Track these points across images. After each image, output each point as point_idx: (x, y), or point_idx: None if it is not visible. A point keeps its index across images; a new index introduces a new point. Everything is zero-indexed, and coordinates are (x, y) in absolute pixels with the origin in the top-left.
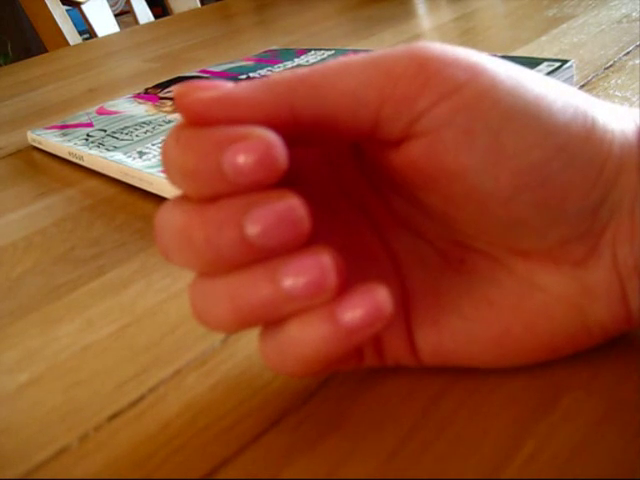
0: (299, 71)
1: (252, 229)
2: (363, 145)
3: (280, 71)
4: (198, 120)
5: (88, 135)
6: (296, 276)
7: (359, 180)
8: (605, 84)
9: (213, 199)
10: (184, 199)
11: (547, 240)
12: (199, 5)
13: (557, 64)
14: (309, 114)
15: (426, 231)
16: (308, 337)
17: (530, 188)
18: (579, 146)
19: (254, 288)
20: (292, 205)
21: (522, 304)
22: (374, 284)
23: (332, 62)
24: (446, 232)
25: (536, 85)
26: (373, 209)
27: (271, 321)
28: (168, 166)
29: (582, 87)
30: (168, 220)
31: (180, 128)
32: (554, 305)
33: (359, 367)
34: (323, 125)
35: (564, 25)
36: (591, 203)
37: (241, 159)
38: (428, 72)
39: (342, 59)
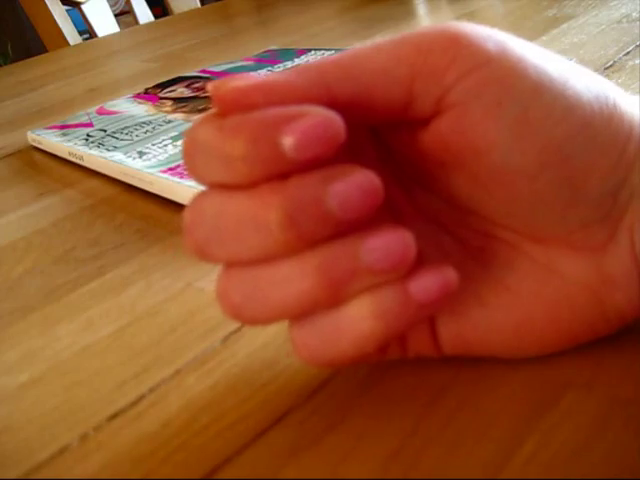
0: (330, 56)
1: (334, 202)
2: (386, 133)
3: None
4: (237, 108)
5: (88, 135)
6: (380, 250)
7: (379, 170)
8: None
9: (262, 182)
10: (221, 189)
11: (569, 223)
12: (199, 5)
13: None
14: (344, 95)
15: (446, 219)
16: (377, 312)
17: (555, 165)
18: (602, 125)
19: (334, 263)
20: (369, 175)
21: (542, 291)
22: (442, 263)
23: (362, 45)
24: (466, 219)
25: (560, 64)
26: (393, 198)
27: (336, 300)
28: (203, 156)
29: None
30: (213, 210)
31: (217, 117)
32: (573, 291)
33: (381, 360)
34: (358, 105)
35: (564, 25)
36: (612, 185)
37: (300, 135)
38: (457, 46)
39: (372, 42)
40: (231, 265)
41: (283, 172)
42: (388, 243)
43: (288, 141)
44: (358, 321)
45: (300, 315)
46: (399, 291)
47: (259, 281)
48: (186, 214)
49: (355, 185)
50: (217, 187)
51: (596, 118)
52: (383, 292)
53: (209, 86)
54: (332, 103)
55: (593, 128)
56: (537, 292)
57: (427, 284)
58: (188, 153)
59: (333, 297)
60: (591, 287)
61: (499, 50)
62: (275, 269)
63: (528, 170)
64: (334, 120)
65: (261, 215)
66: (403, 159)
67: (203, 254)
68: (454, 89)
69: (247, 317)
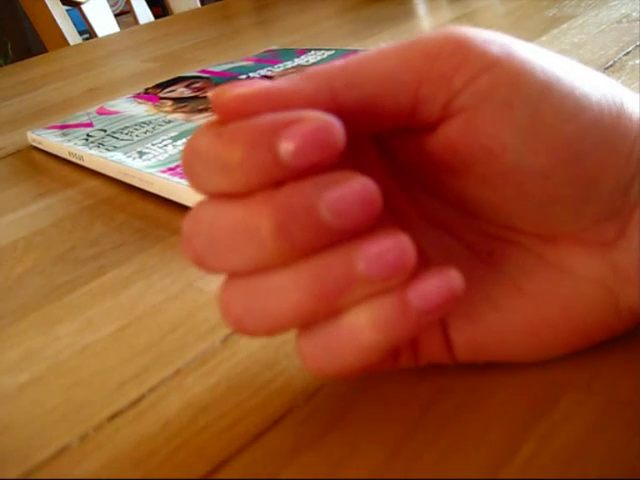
0: (336, 61)
1: (328, 211)
2: (390, 140)
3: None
4: (239, 115)
5: (88, 135)
6: (376, 257)
7: (384, 177)
8: None
9: (258, 190)
10: (218, 198)
11: (582, 219)
12: (199, 5)
13: None
14: (350, 101)
15: (453, 225)
16: (375, 323)
17: (567, 163)
18: (612, 123)
19: (328, 273)
20: (366, 182)
21: (555, 290)
22: (445, 267)
23: (367, 52)
24: (474, 224)
25: (565, 64)
26: (398, 205)
27: (334, 311)
28: (202, 165)
29: None
30: (209, 220)
31: (217, 124)
32: (586, 288)
33: (393, 368)
34: (364, 112)
35: (564, 25)
36: (624, 180)
37: (298, 141)
38: (463, 50)
39: (376, 48)
40: (231, 276)
41: (280, 180)
42: (384, 250)
43: (285, 147)
44: (357, 332)
45: (300, 326)
46: (397, 299)
47: (257, 292)
48: (185, 223)
49: (350, 193)
50: (216, 196)
51: (605, 116)
52: (381, 301)
53: (209, 94)
54: (338, 110)
55: (603, 126)
56: (550, 291)
57: (426, 290)
58: (188, 162)
59: (329, 308)
60: (603, 283)
61: (504, 52)
62: (271, 279)
63: (541, 169)
64: (333, 125)
65: (252, 224)
66: (408, 166)
67: (202, 264)
68: (463, 93)
69: (249, 329)
